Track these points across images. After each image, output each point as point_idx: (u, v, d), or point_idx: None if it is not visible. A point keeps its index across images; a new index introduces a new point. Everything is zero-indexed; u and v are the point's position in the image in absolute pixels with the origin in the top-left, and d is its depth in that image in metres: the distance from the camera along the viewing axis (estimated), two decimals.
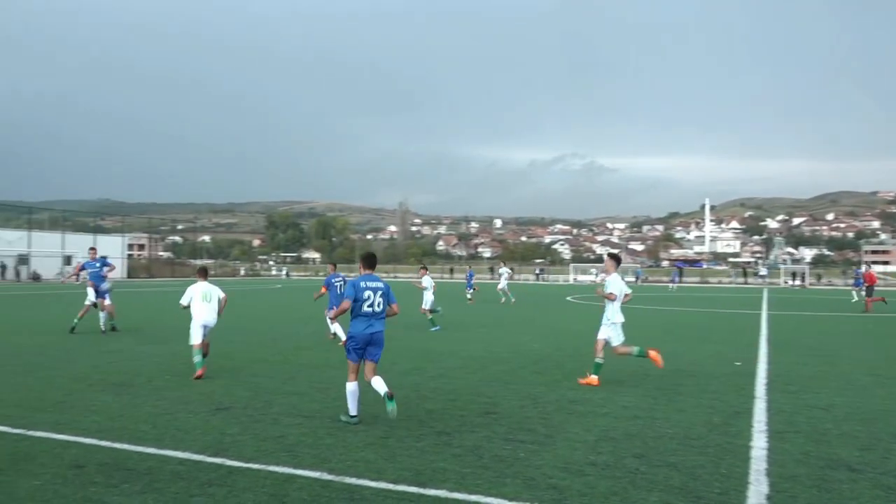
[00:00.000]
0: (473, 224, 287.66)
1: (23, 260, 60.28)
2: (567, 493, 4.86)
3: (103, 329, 15.42)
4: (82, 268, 16.33)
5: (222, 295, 10.04)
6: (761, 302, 33.67)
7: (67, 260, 61.76)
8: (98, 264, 16.01)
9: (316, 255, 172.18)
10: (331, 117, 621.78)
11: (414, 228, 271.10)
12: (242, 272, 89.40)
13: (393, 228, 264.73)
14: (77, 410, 7.22)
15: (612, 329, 9.38)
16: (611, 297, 9.36)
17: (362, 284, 7.07)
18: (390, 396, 6.73)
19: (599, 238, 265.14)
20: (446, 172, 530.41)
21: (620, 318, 9.44)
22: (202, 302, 9.77)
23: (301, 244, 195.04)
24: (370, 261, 7.44)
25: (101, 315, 15.65)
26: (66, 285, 39.83)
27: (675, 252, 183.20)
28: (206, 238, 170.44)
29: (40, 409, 7.28)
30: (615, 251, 9.51)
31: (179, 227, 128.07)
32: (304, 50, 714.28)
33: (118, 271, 67.48)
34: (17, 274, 58.87)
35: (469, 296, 31.02)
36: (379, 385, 6.87)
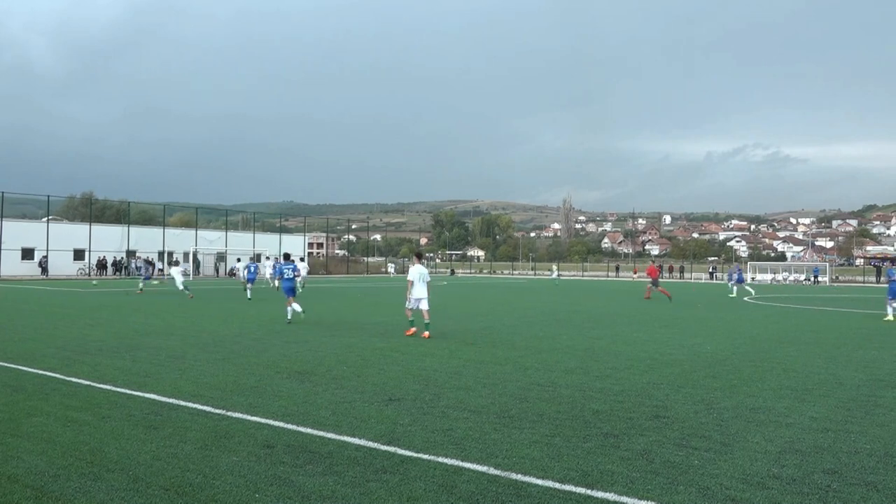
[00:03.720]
0: (640, 220, 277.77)
1: (221, 257, 67.00)
2: None
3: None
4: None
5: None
6: None
7: (257, 258, 67.75)
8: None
9: (480, 253, 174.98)
10: (495, 117, 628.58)
11: (578, 226, 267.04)
12: (390, 270, 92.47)
13: (557, 226, 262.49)
14: (267, 395, 7.89)
15: (411, 302, 14.53)
16: (410, 284, 14.63)
17: (285, 267, 18.15)
18: (300, 312, 17.37)
19: (781, 234, 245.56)
20: (613, 168, 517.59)
21: (417, 296, 14.49)
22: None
23: (466, 242, 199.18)
24: (288, 256, 19.51)
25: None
26: (262, 281, 43.43)
27: (872, 249, 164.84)
28: (378, 237, 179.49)
29: (237, 392, 8.05)
30: (420, 251, 17.13)
31: (354, 226, 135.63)
32: (472, 52, 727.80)
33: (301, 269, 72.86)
34: (217, 270, 65.46)
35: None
36: (297, 307, 17.22)
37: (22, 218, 61.68)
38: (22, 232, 53.79)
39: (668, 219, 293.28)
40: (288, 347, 12.22)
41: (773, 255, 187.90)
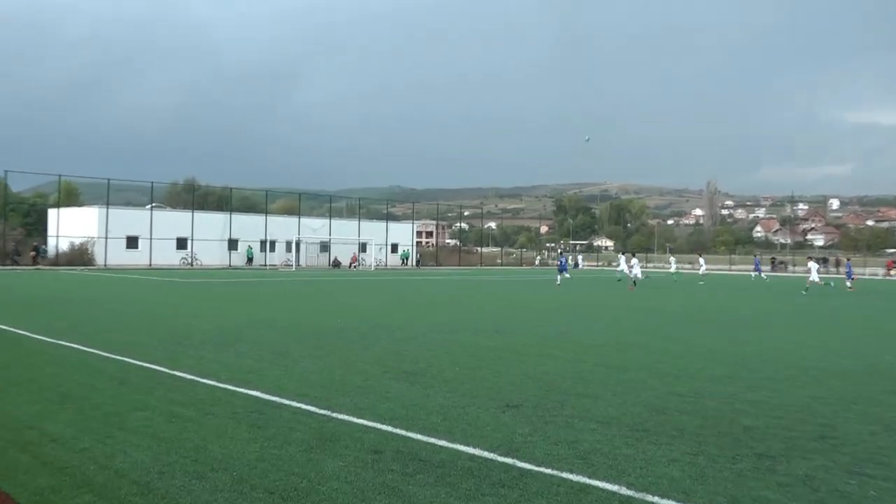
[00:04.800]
0: (801, 205, 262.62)
1: (324, 247, 69.43)
2: None
3: None
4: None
5: None
6: None
7: (363, 247, 69.65)
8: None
9: (609, 243, 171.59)
10: (620, 91, 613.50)
11: (724, 212, 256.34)
12: (538, 262, 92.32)
13: (699, 212, 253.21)
14: (374, 396, 8.11)
15: None
16: None
17: None
18: None
19: None
20: (765, 144, 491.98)
21: None
22: None
23: (592, 230, 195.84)
24: None
25: None
26: (357, 272, 44.80)
27: None
28: (493, 224, 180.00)
29: (342, 391, 8.33)
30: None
31: (466, 213, 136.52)
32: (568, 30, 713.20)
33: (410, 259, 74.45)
34: (337, 262, 68.00)
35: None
36: None
37: (126, 205, 66.58)
38: (126, 220, 58.07)
39: (835, 203, 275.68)
40: (395, 344, 12.50)
41: None
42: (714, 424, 7.08)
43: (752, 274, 52.93)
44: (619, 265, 41.20)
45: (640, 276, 36.43)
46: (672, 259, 60.72)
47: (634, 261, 38.14)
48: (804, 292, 33.70)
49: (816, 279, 36.15)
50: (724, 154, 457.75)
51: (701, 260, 54.97)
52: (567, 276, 39.15)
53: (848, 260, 47.14)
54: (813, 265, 37.20)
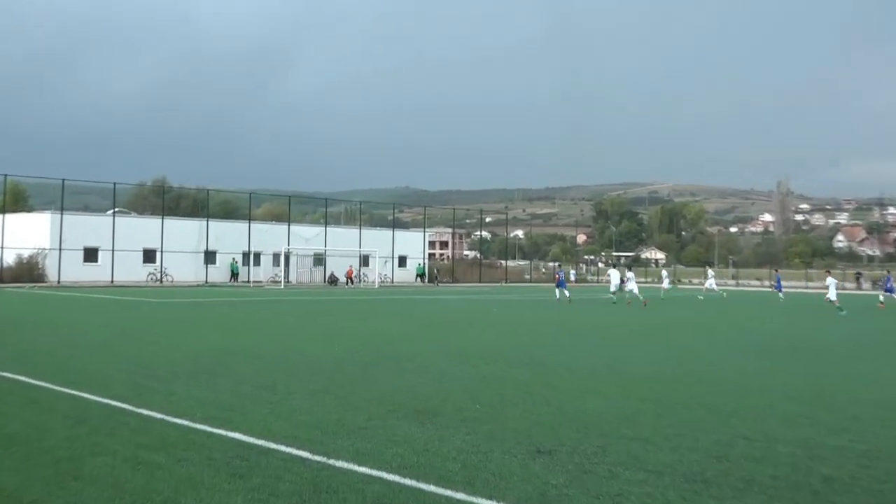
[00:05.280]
0: (892, 209, 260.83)
1: (318, 259, 69.50)
2: None
3: None
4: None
5: None
6: None
7: (364, 260, 69.71)
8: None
9: (660, 255, 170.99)
10: (667, 80, 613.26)
11: (799, 217, 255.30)
12: (574, 277, 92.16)
13: (768, 218, 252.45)
14: (379, 439, 8.11)
15: None
16: None
17: None
18: None
19: None
20: (849, 136, 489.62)
21: None
22: None
23: (639, 240, 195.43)
24: None
25: None
26: (357, 290, 44.94)
27: None
28: (520, 233, 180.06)
29: (341, 434, 8.33)
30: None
31: (488, 219, 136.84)
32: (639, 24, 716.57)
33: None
34: (334, 278, 68.19)
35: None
36: None
37: (84, 210, 67.14)
38: (84, 228, 58.54)
39: None
40: (404, 377, 12.51)
41: None
42: (788, 474, 7.03)
43: (781, 295, 50.75)
44: (613, 281, 43.36)
45: (635, 291, 39.56)
46: (664, 273, 60.90)
47: (630, 275, 40.50)
48: (843, 313, 33.87)
49: (833, 297, 36.88)
50: (798, 147, 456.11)
51: (710, 272, 55.30)
52: (566, 293, 40.76)
53: (888, 273, 47.00)
54: (832, 280, 38.15)
